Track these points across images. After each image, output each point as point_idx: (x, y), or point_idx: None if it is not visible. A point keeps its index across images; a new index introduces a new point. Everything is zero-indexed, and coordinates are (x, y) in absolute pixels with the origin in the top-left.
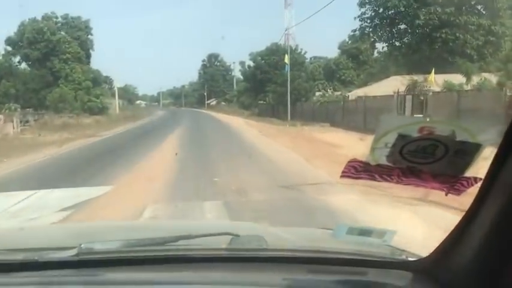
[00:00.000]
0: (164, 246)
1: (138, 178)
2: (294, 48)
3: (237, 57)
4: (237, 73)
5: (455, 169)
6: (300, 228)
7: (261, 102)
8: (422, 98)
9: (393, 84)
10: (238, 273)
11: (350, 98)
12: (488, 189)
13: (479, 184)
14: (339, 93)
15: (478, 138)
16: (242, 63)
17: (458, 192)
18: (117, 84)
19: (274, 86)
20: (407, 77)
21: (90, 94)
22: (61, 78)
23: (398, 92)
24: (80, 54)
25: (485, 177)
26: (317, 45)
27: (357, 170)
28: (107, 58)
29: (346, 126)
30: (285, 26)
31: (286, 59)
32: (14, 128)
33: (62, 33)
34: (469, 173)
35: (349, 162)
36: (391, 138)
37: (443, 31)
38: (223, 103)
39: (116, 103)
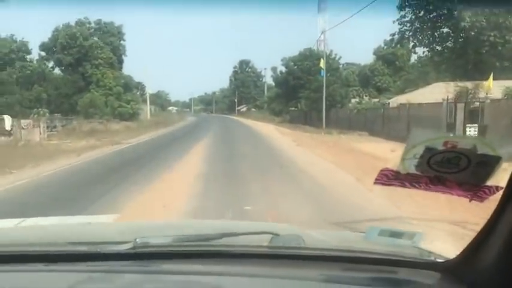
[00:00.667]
0: (210, 242)
1: (150, 204)
2: (328, 53)
3: (269, 63)
4: (268, 79)
5: (478, 178)
6: (334, 231)
7: (293, 108)
8: (477, 105)
9: (437, 91)
10: (278, 269)
11: (391, 106)
12: (510, 196)
13: (501, 192)
14: (376, 100)
15: (498, 152)
16: (274, 69)
17: (481, 199)
18: (149, 90)
19: (307, 92)
20: (452, 83)
21: (121, 100)
22: (92, 83)
23: (448, 99)
24: (112, 59)
25: (507, 185)
26: (350, 52)
27: (389, 177)
28: (139, 64)
29: (386, 135)
30: (318, 31)
31: (322, 64)
32: (40, 133)
33: (95, 38)
34: (491, 182)
35: (381, 170)
36: (420, 150)
37: (492, 34)
38: (253, 109)
39: (147, 109)
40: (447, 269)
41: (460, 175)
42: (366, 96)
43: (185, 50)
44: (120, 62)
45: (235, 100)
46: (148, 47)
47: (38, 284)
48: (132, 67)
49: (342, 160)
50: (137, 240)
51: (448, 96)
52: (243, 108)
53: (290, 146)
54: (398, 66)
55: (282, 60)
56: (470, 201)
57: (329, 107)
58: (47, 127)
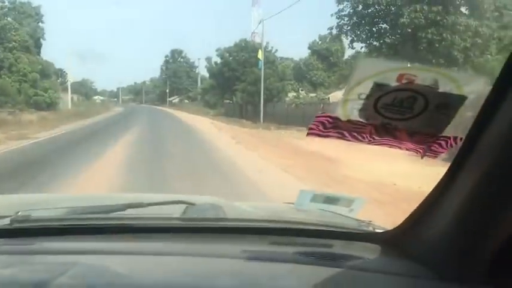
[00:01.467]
0: (110, 215)
1: None
2: (264, 45)
3: (203, 54)
4: (202, 70)
5: (435, 127)
6: (263, 202)
7: (228, 101)
8: None
9: None
10: (193, 244)
11: (331, 101)
12: (466, 157)
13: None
14: (313, 95)
15: (465, 89)
16: (208, 59)
17: (435, 154)
18: (71, 77)
19: (243, 84)
20: None
21: (37, 87)
22: (4, 68)
23: None
24: (28, 43)
25: (464, 141)
26: (284, 46)
27: (325, 126)
28: (61, 50)
29: None
30: (253, 23)
31: (260, 55)
32: None
33: (8, 19)
34: (449, 132)
35: (317, 116)
36: (366, 88)
37: (429, 31)
38: (186, 101)
39: (68, 98)
40: (387, 240)
41: (414, 122)
42: (301, 90)
43: (113, 37)
44: (38, 46)
45: (167, 91)
46: (72, 32)
47: None
48: (53, 53)
49: (294, 165)
50: (18, 213)
51: None
52: (175, 100)
53: (229, 145)
54: (332, 62)
55: (217, 50)
56: (422, 157)
57: (266, 101)
58: None
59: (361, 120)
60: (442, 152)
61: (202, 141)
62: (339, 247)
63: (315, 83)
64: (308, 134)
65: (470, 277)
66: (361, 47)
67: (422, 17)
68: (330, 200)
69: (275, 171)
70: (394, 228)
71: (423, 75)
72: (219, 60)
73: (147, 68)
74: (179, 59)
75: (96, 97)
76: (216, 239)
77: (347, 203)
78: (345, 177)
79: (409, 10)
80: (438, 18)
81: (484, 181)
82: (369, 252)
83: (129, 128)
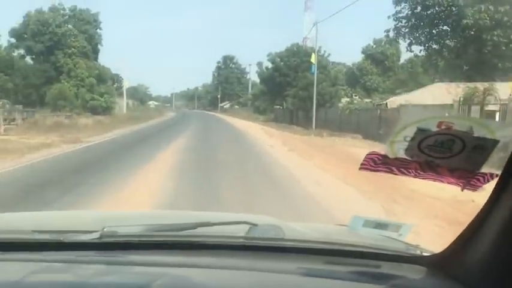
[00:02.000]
0: (183, 232)
1: None
2: (317, 49)
3: (254, 60)
4: (253, 76)
5: (472, 164)
6: (317, 223)
7: (278, 107)
8: (492, 107)
9: (438, 92)
10: (255, 261)
11: (390, 106)
12: (504, 187)
13: (495, 181)
14: (368, 100)
15: (496, 134)
16: (259, 65)
17: (474, 187)
18: (127, 83)
19: (294, 89)
20: (454, 84)
21: (94, 92)
22: (64, 73)
23: (460, 101)
24: (86, 48)
25: (501, 174)
26: (336, 51)
27: (376, 162)
28: (117, 56)
29: (384, 139)
30: (305, 28)
31: (313, 59)
32: None
33: (69, 26)
34: (485, 169)
35: (367, 154)
36: (411, 132)
37: (495, 33)
38: (236, 106)
39: (123, 103)
40: (434, 263)
41: (453, 160)
42: (355, 96)
43: (168, 43)
44: (96, 52)
45: (218, 96)
46: (129, 39)
47: None
48: (110, 58)
49: (354, 176)
50: (104, 229)
51: (460, 98)
52: (226, 105)
53: (282, 152)
54: (387, 66)
55: (268, 55)
56: (462, 190)
57: (318, 106)
58: (5, 120)
59: (407, 158)
60: (480, 186)
61: (253, 147)
62: (387, 268)
63: (369, 88)
64: (360, 168)
65: None
66: (420, 50)
67: (488, 18)
68: (380, 225)
69: (335, 184)
70: (440, 252)
71: (460, 123)
72: (270, 65)
73: (200, 74)
74: (231, 65)
75: (150, 102)
76: (275, 257)
77: (396, 229)
78: (413, 192)
79: (472, 11)
80: (505, 19)
81: None
82: (415, 274)
83: (181, 132)
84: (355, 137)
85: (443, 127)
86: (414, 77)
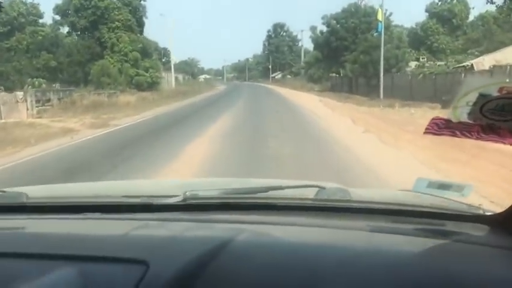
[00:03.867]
0: (257, 195)
1: None
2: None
3: (306, 25)
4: (306, 43)
5: None
6: (382, 188)
7: (334, 75)
8: None
9: None
10: (324, 220)
11: (477, 68)
12: None
13: None
14: (442, 63)
15: None
16: (313, 29)
17: None
18: (174, 57)
19: (355, 54)
20: None
21: (139, 67)
22: (107, 48)
23: None
24: (131, 22)
25: None
26: (395, 11)
27: (439, 126)
28: (167, 30)
29: None
30: None
31: (380, 15)
32: (28, 109)
33: None
34: None
35: (432, 119)
36: (473, 97)
37: None
38: (289, 76)
39: (172, 77)
40: (496, 222)
41: None
42: (422, 58)
43: (217, 15)
44: (141, 25)
45: (269, 67)
46: (178, 11)
47: (95, 231)
48: (158, 32)
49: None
50: (187, 193)
51: None
52: (278, 75)
53: (355, 135)
54: (455, 25)
55: (322, 18)
56: None
57: (383, 72)
58: (38, 101)
59: (469, 121)
60: None
61: (316, 130)
62: (451, 226)
63: (435, 50)
64: (424, 133)
65: None
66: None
67: None
68: (443, 186)
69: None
70: (503, 211)
71: None
72: (325, 29)
73: (251, 45)
74: (282, 33)
75: (203, 76)
76: (343, 216)
77: (459, 189)
78: None
79: None
80: None
81: None
82: (477, 231)
83: (229, 108)
84: (434, 107)
85: (504, 92)
86: (489, 35)
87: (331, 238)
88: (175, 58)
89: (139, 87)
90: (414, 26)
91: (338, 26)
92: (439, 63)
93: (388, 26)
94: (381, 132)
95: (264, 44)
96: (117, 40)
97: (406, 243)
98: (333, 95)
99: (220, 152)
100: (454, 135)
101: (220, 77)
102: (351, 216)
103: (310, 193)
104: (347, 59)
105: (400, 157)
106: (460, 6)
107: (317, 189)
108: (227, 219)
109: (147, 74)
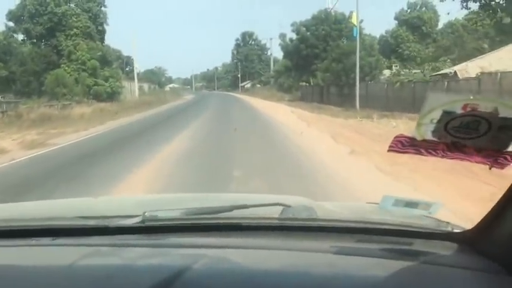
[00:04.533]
0: (221, 215)
1: None
2: (348, 15)
3: (274, 34)
4: (275, 51)
5: (499, 144)
6: (348, 202)
7: (304, 84)
8: None
9: None
10: (289, 241)
11: (462, 76)
12: None
13: None
14: (417, 71)
15: None
16: (282, 36)
17: (501, 166)
18: (138, 65)
19: (326, 62)
20: None
21: (97, 76)
22: (63, 57)
23: None
24: (90, 29)
25: None
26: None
27: (404, 144)
28: (132, 38)
29: None
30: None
31: (354, 19)
32: None
33: (71, 5)
34: None
35: (395, 137)
36: (437, 115)
37: None
38: (258, 85)
39: (135, 87)
40: (464, 239)
41: (480, 140)
42: (395, 66)
43: (185, 23)
44: (102, 32)
45: (239, 76)
46: (146, 20)
47: (43, 259)
48: (123, 40)
49: None
50: (146, 213)
51: None
52: (247, 85)
53: (341, 159)
54: (424, 33)
55: (292, 25)
56: (490, 168)
57: (353, 80)
58: None
59: (434, 139)
60: (508, 165)
61: (294, 153)
62: (419, 245)
63: (406, 58)
64: (388, 150)
65: None
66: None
67: None
68: (410, 203)
69: None
70: (471, 229)
71: (484, 104)
72: (294, 37)
73: (220, 54)
74: (250, 41)
75: (172, 85)
76: (308, 236)
77: (425, 207)
78: None
79: None
80: None
81: None
82: (446, 250)
83: (192, 123)
84: (414, 118)
85: (468, 109)
86: (460, 42)
87: (295, 262)
88: (139, 67)
89: (98, 97)
90: (384, 34)
91: (308, 33)
92: (414, 71)
93: (359, 33)
94: (370, 153)
95: (233, 53)
96: (75, 48)
97: (373, 266)
98: (305, 105)
99: (165, 189)
100: (419, 153)
101: (189, 86)
102: (316, 236)
103: (275, 212)
104: (318, 67)
105: (406, 190)
106: (429, 13)
107: (282, 207)
108: (187, 243)
109: (107, 84)
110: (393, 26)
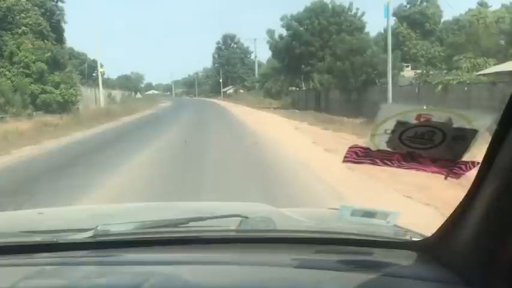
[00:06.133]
0: (176, 228)
1: None
2: (347, 7)
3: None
4: (259, 54)
5: (454, 154)
6: (308, 208)
7: (293, 88)
8: None
9: None
10: (247, 254)
11: None
12: (486, 173)
13: (477, 168)
14: (444, 71)
15: (474, 124)
16: (270, 33)
17: (457, 175)
18: (102, 69)
19: (329, 61)
20: None
21: (46, 82)
22: (3, 59)
23: None
24: (42, 26)
25: (483, 161)
26: None
27: (359, 155)
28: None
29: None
30: None
31: None
32: None
33: None
34: (467, 157)
35: (350, 147)
36: (391, 125)
37: None
38: (241, 91)
39: (100, 94)
40: (424, 248)
41: (435, 150)
42: (406, 66)
43: (164, 27)
44: (58, 31)
45: (220, 81)
46: (122, 24)
47: None
48: (90, 43)
49: None
50: (98, 227)
51: None
52: (230, 90)
53: None
54: (427, 29)
55: (281, 19)
56: (445, 178)
57: (364, 83)
58: None
59: (389, 149)
60: (463, 174)
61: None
62: (377, 255)
63: (412, 57)
64: (343, 161)
65: (494, 282)
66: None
67: None
68: (368, 213)
69: None
70: (429, 237)
71: (438, 115)
72: (285, 33)
73: (201, 58)
74: (232, 44)
75: (150, 92)
76: (267, 248)
77: (383, 216)
78: None
79: None
80: None
81: (506, 192)
82: (406, 260)
83: (151, 143)
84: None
85: (422, 119)
86: (474, 39)
87: (251, 278)
88: (103, 70)
89: (47, 108)
90: (382, 31)
91: (302, 28)
92: (430, 72)
93: (361, 27)
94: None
95: (214, 57)
96: (18, 48)
97: (331, 279)
98: (305, 116)
99: None
100: (375, 163)
101: (169, 93)
102: (274, 248)
103: (233, 223)
104: (314, 68)
105: None
106: (433, 8)
107: (240, 219)
108: (140, 260)
109: (57, 91)
110: (392, 23)
